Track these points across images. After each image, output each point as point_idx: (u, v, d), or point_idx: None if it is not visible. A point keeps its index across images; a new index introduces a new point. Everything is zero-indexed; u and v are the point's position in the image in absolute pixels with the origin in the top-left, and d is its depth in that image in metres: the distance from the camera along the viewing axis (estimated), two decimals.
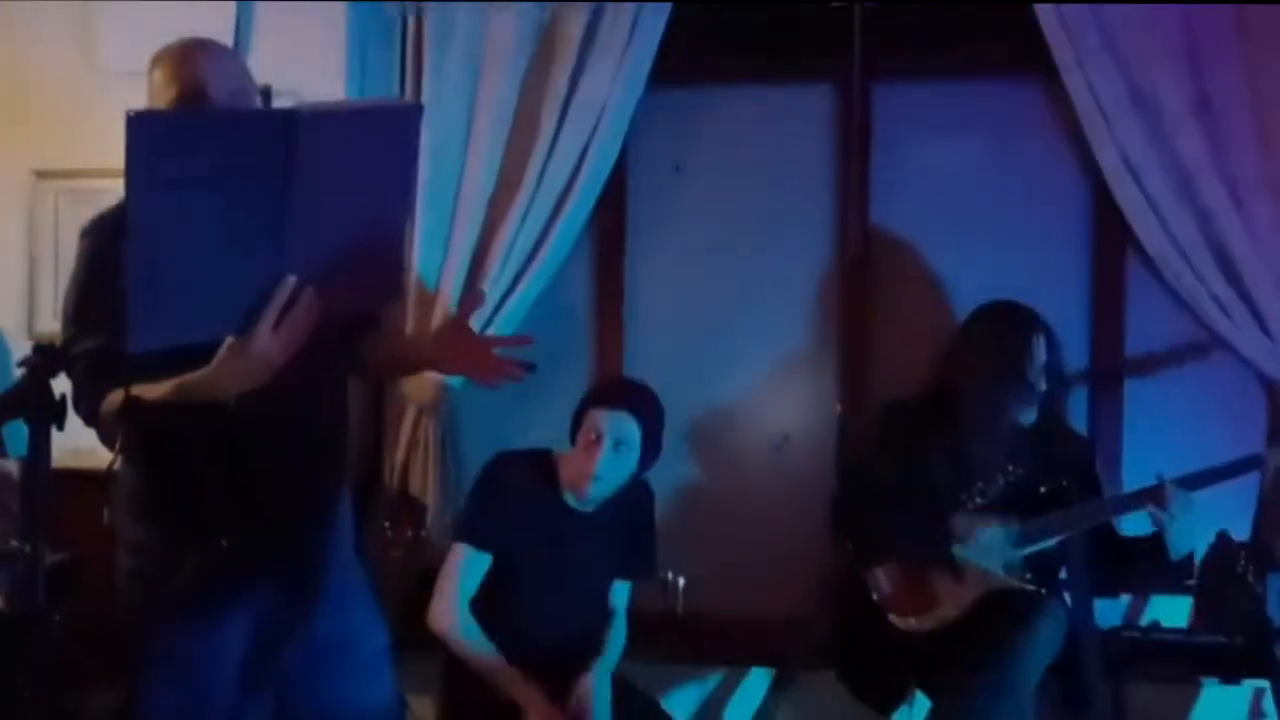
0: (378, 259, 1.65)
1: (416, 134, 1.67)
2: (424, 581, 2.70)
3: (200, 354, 1.55)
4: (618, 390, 2.59)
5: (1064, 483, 2.65)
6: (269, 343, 1.51)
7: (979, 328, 2.75)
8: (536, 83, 3.08)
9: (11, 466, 2.60)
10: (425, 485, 3.11)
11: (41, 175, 3.28)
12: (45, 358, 1.52)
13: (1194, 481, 2.57)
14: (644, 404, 2.53)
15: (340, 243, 1.55)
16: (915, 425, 2.72)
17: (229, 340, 1.52)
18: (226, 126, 1.49)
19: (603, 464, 2.48)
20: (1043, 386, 2.69)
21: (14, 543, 2.52)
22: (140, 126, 1.35)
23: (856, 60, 3.18)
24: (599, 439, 2.48)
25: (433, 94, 3.09)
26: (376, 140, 1.58)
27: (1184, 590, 2.88)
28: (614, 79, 3.04)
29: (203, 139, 1.41)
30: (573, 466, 2.54)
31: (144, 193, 1.36)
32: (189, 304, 1.44)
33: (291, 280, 1.49)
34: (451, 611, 2.50)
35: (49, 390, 1.52)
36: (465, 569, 2.53)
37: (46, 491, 1.49)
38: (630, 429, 2.49)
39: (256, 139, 1.43)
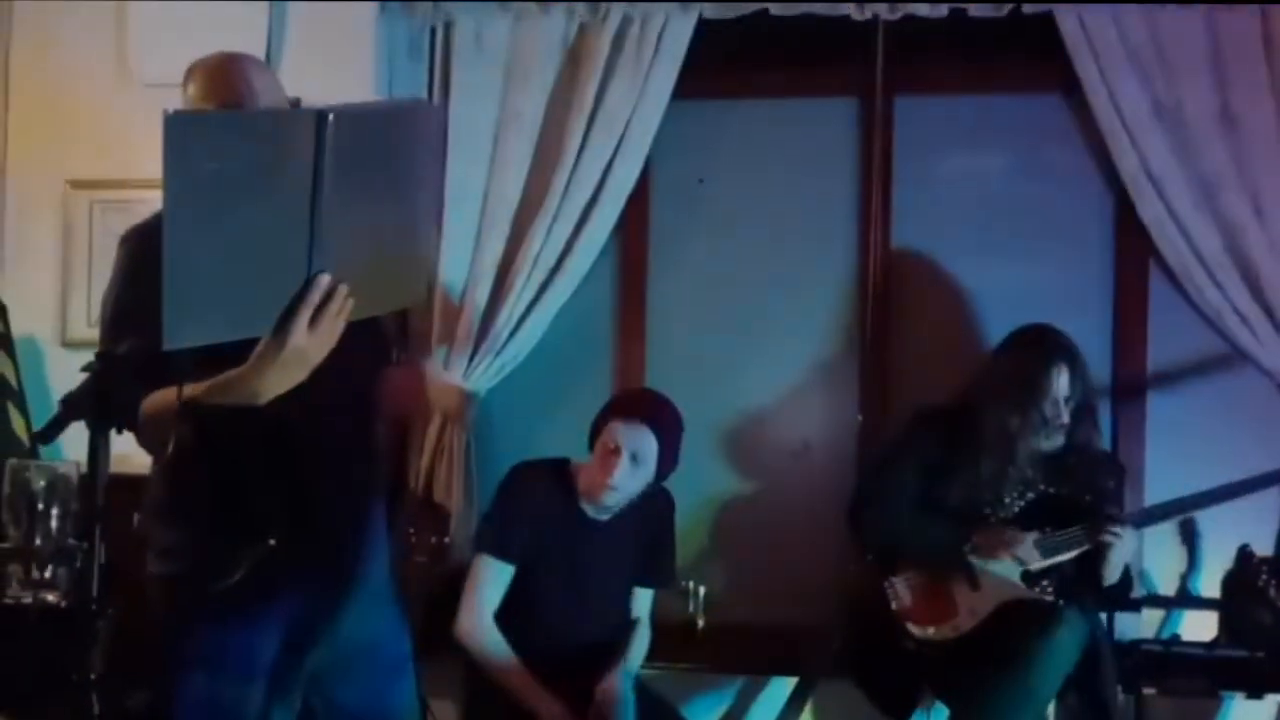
0: (403, 258, 1.68)
1: (439, 133, 1.70)
2: (447, 587, 2.73)
3: (237, 355, 1.58)
4: (636, 403, 2.60)
5: (1081, 506, 2.65)
6: (305, 340, 1.52)
7: (1005, 354, 2.76)
8: (562, 96, 3.11)
9: (69, 467, 2.67)
10: (449, 492, 3.14)
11: (76, 185, 3.32)
12: (108, 363, 1.55)
13: (1217, 496, 2.58)
14: (661, 417, 2.55)
15: (368, 241, 1.58)
16: (943, 433, 2.73)
17: (265, 338, 1.55)
18: (259, 126, 1.53)
19: (618, 476, 2.50)
20: (1064, 419, 2.67)
21: (72, 541, 2.59)
22: (177, 126, 1.39)
23: (879, 75, 3.20)
24: (616, 451, 2.50)
25: (459, 107, 3.12)
26: (400, 139, 1.61)
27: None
28: (639, 92, 3.07)
29: (237, 138, 1.45)
30: (589, 476, 2.56)
31: (180, 191, 1.40)
32: (225, 301, 1.46)
33: (326, 278, 1.51)
34: (477, 623, 2.53)
35: (109, 395, 1.56)
36: (489, 580, 2.56)
37: (104, 492, 1.53)
38: (647, 442, 2.51)
39: (288, 138, 1.46)
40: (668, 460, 2.57)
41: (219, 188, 1.41)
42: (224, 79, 1.81)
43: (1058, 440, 2.70)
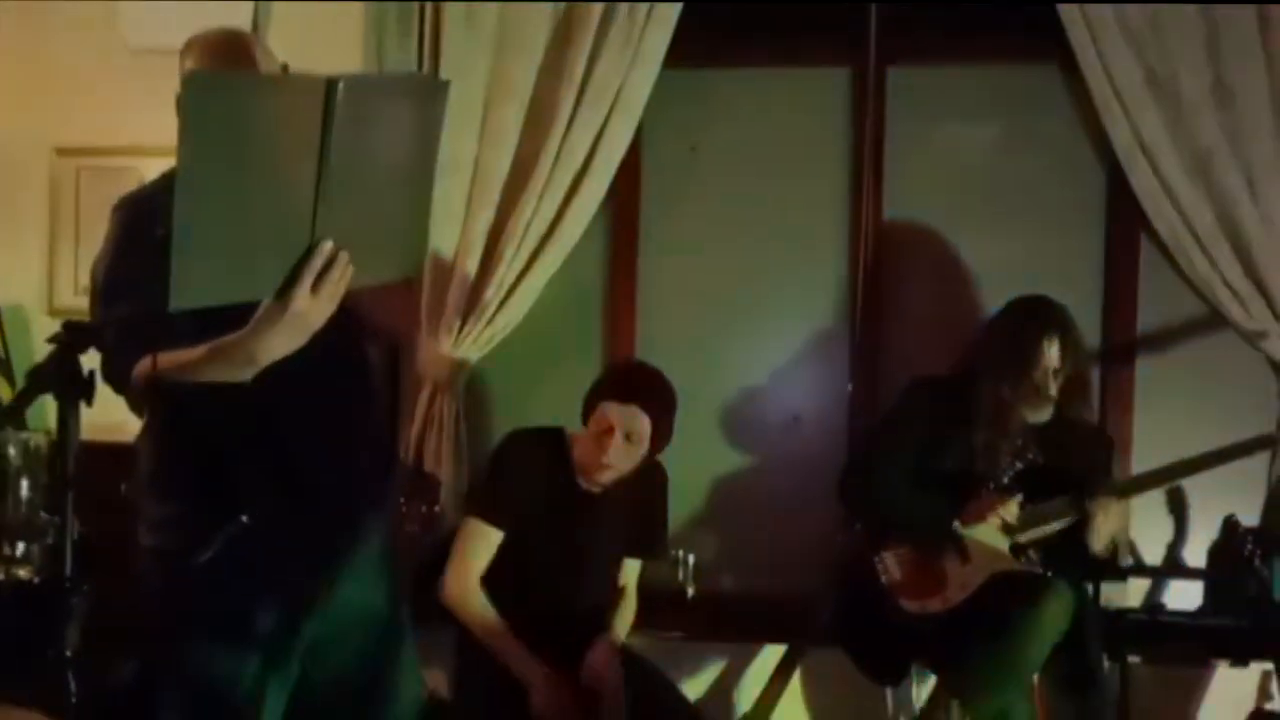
0: (403, 228, 1.69)
1: (443, 109, 1.70)
2: (438, 555, 2.73)
3: (233, 322, 1.58)
4: (630, 383, 2.59)
5: (1068, 478, 2.66)
6: (306, 304, 1.53)
7: (998, 324, 2.76)
8: (552, 65, 3.09)
9: (40, 440, 2.63)
10: (439, 461, 3.15)
11: (62, 152, 3.30)
12: (75, 334, 1.54)
13: (1205, 462, 2.60)
14: (655, 396, 2.55)
15: (370, 210, 1.59)
16: (937, 403, 2.74)
17: (266, 302, 1.54)
18: (275, 90, 1.54)
19: (613, 456, 2.51)
20: (1053, 391, 2.67)
21: (44, 515, 2.57)
22: (197, 84, 1.40)
23: (872, 45, 3.19)
24: (610, 431, 2.51)
25: (450, 75, 3.09)
26: (406, 113, 1.62)
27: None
28: (630, 61, 3.05)
29: (252, 100, 1.46)
30: (584, 453, 2.57)
31: (196, 151, 1.40)
32: (230, 264, 1.47)
33: (329, 244, 1.52)
34: (463, 585, 2.54)
35: (77, 366, 1.54)
36: (477, 544, 2.56)
37: (74, 466, 1.52)
38: (642, 422, 2.52)
39: (298, 104, 1.47)
40: (662, 437, 2.58)
41: (232, 150, 1.42)
42: (226, 52, 1.82)
43: (1046, 413, 2.71)
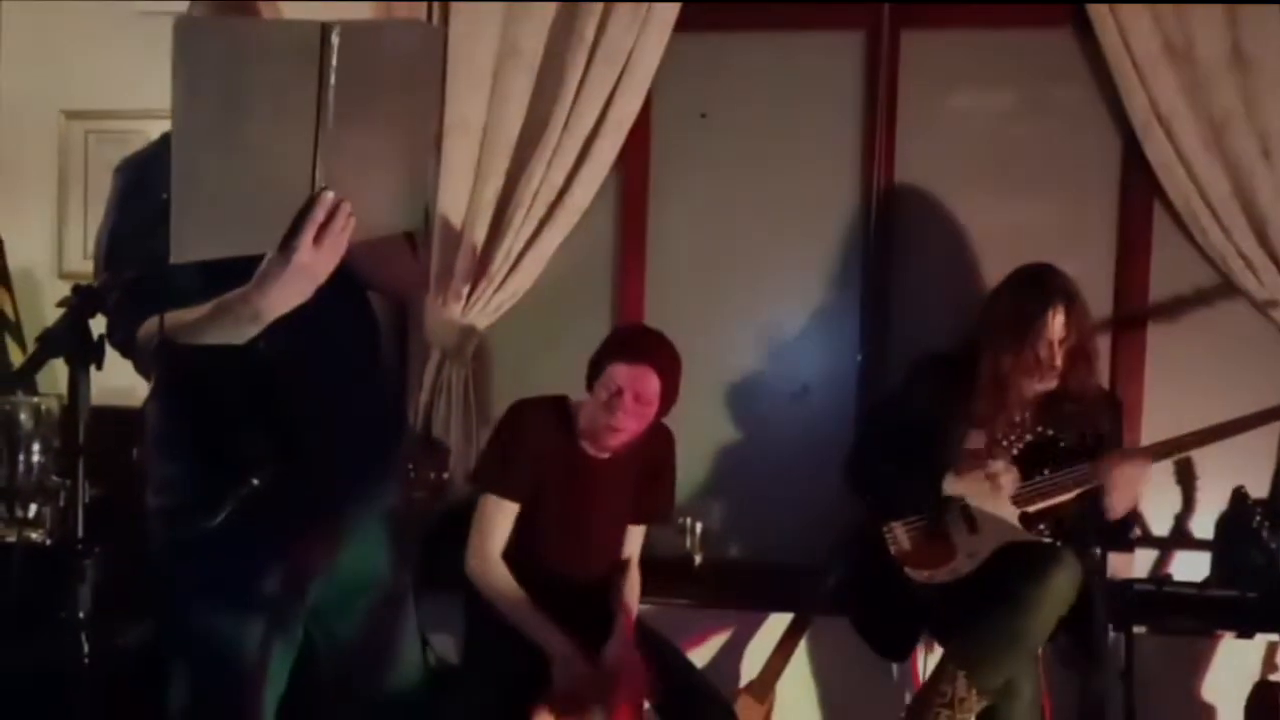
0: (404, 179, 1.67)
1: (440, 56, 1.68)
2: (446, 523, 2.74)
3: (237, 280, 1.57)
4: (638, 344, 2.58)
5: (1076, 448, 2.65)
6: (310, 256, 1.51)
7: (1001, 295, 2.73)
8: (563, 28, 3.06)
9: (52, 403, 2.64)
10: (448, 428, 3.15)
11: (71, 116, 3.29)
12: (84, 298, 1.54)
13: (1216, 433, 2.58)
14: (664, 357, 2.54)
15: (369, 160, 1.57)
16: (939, 382, 2.73)
17: (270, 255, 1.53)
18: (267, 36, 1.51)
19: (623, 418, 2.50)
20: (1057, 362, 2.64)
21: (54, 478, 2.57)
22: (186, 31, 1.37)
23: (885, 8, 3.16)
24: (619, 393, 2.50)
25: (459, 40, 3.08)
26: (402, 59, 1.60)
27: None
28: (640, 25, 3.02)
29: (245, 47, 1.43)
30: (591, 417, 2.56)
31: (188, 100, 1.38)
32: (231, 215, 1.45)
33: (330, 194, 1.50)
34: (484, 560, 2.55)
35: (88, 330, 1.54)
36: (495, 519, 2.57)
37: (85, 429, 1.52)
38: (650, 383, 2.50)
39: (292, 50, 1.45)
40: (669, 398, 2.56)
41: (226, 97, 1.41)
42: (233, 4, 1.79)
43: (1051, 382, 2.69)
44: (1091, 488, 2.60)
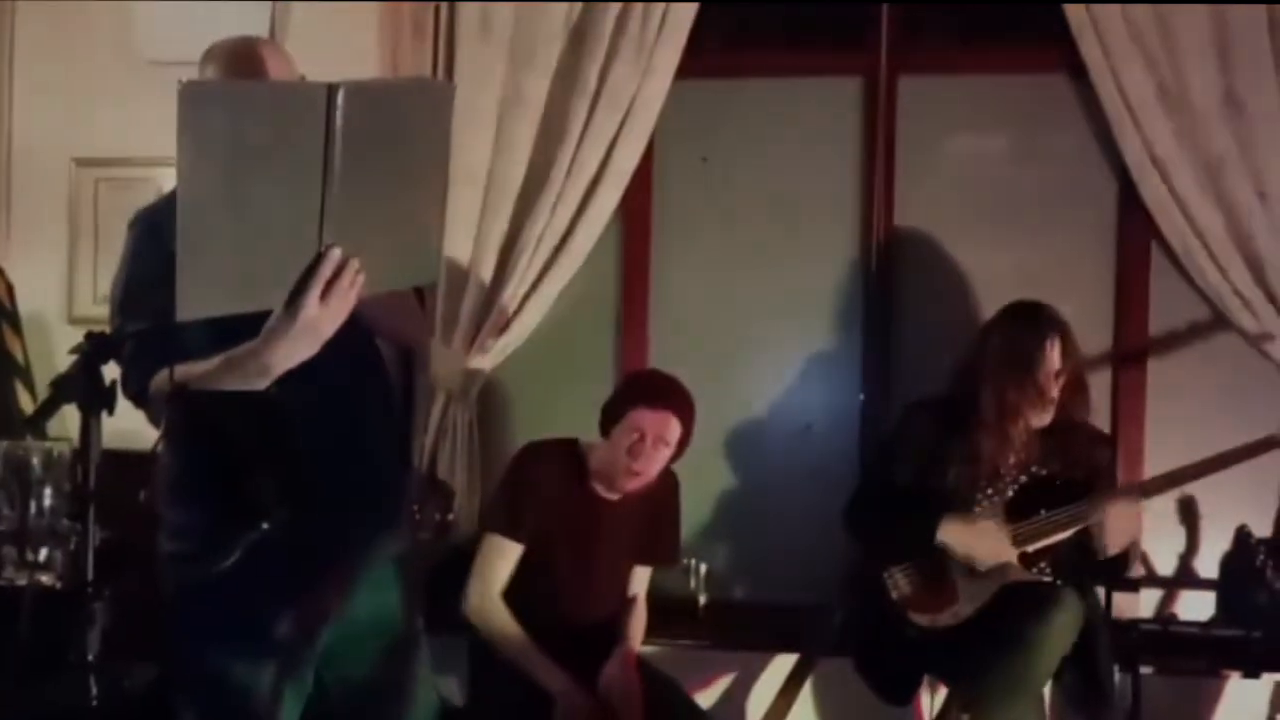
0: (414, 235, 1.69)
1: (449, 112, 1.70)
2: (452, 564, 2.75)
3: (249, 333, 1.59)
4: (661, 390, 2.60)
5: (1072, 484, 2.65)
6: (317, 313, 1.54)
7: (995, 331, 2.74)
8: (566, 75, 3.11)
9: (63, 448, 2.67)
10: (453, 469, 3.17)
11: (81, 163, 3.34)
12: (97, 344, 1.56)
13: (1211, 465, 2.59)
14: (683, 401, 2.57)
15: (378, 217, 1.59)
16: (932, 426, 2.74)
17: (277, 311, 1.56)
18: (270, 98, 1.54)
19: (646, 461, 2.53)
20: (1054, 393, 2.65)
21: (65, 522, 2.59)
22: (191, 95, 1.40)
23: (883, 55, 3.21)
24: (642, 438, 2.52)
25: (463, 86, 3.12)
26: (411, 117, 1.62)
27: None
28: (643, 71, 3.07)
29: (250, 109, 1.46)
30: (609, 461, 2.57)
31: (194, 161, 1.41)
32: (237, 273, 1.48)
33: (337, 251, 1.52)
34: (484, 600, 2.56)
35: (100, 376, 1.56)
36: (497, 559, 2.58)
37: (97, 474, 1.54)
38: (672, 428, 2.54)
39: (298, 111, 1.47)
40: (686, 442, 2.59)
41: (231, 158, 1.43)
42: (242, 61, 1.82)
43: (1048, 416, 2.70)
44: (1088, 525, 2.61)
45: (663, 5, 3.05)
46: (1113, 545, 2.59)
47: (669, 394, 2.57)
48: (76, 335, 1.63)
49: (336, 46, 3.14)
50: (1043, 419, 2.68)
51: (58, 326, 3.33)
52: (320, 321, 1.55)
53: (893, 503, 2.73)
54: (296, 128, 1.46)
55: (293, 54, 1.95)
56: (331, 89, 1.46)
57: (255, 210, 1.46)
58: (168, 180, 2.94)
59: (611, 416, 2.58)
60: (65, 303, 3.35)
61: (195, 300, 1.44)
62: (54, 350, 3.26)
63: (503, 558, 2.58)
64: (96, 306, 3.20)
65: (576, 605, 2.61)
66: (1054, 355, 2.64)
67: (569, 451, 2.64)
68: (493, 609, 2.55)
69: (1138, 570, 3.00)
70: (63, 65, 3.35)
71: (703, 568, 3.19)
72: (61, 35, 3.34)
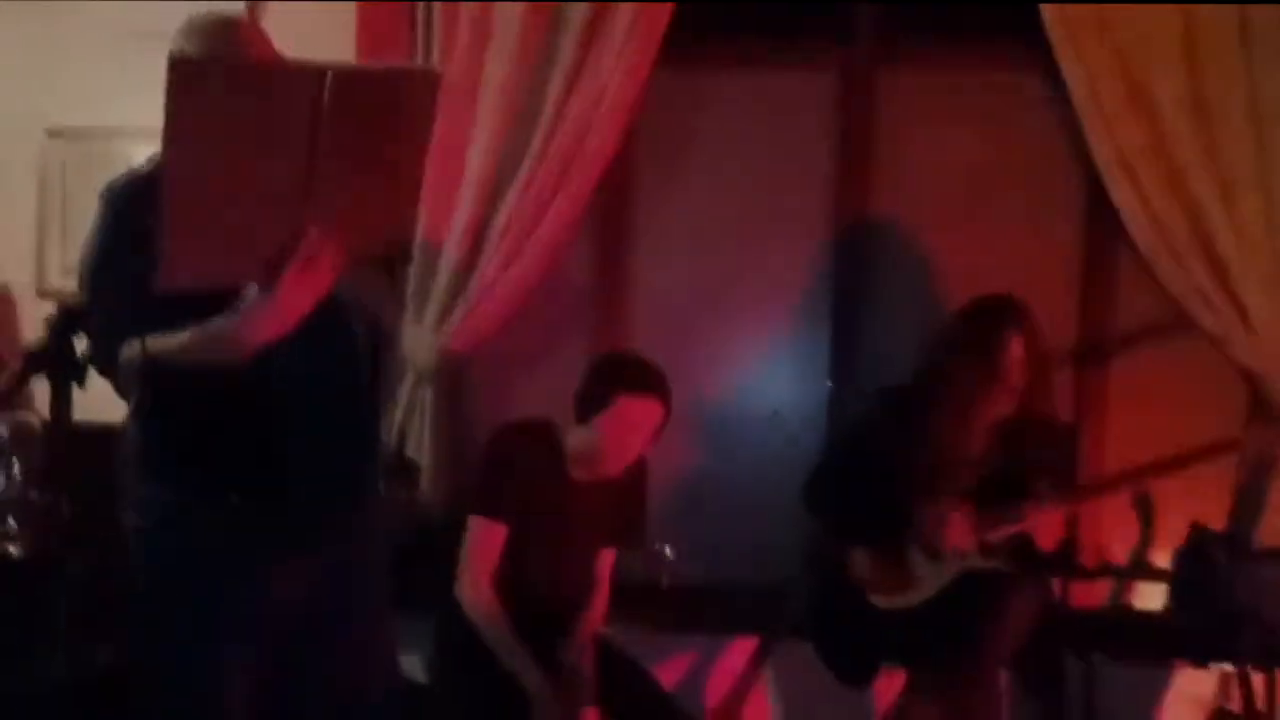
0: (393, 216, 1.71)
1: (434, 100, 1.72)
2: (417, 543, 2.76)
3: (219, 306, 1.60)
4: (644, 376, 2.61)
5: (1035, 475, 2.70)
6: (294, 290, 1.55)
7: (960, 321, 2.78)
8: (543, 62, 3.10)
9: (33, 420, 2.65)
10: (422, 447, 3.17)
11: (53, 134, 3.30)
12: (69, 317, 1.57)
13: (1174, 464, 2.64)
14: (667, 388, 2.59)
15: (360, 198, 1.61)
16: (897, 413, 2.77)
17: (254, 287, 1.56)
18: (264, 78, 1.56)
19: (634, 447, 2.57)
20: (1015, 383, 2.69)
21: (35, 495, 2.59)
22: (182, 69, 1.41)
23: (860, 49, 3.23)
24: (632, 425, 2.55)
25: (441, 68, 3.12)
26: (397, 102, 1.64)
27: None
28: (618, 59, 3.07)
29: (238, 87, 1.48)
30: (592, 446, 2.58)
31: (181, 135, 1.42)
32: (218, 247, 1.49)
33: (317, 231, 1.54)
34: (478, 587, 2.54)
35: (71, 349, 1.57)
36: (486, 542, 2.57)
37: (67, 446, 1.54)
38: (657, 412, 2.57)
39: (287, 92, 1.48)
40: (664, 426, 2.62)
41: (218, 135, 1.45)
42: (221, 35, 1.81)
43: (1008, 407, 2.73)
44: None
45: None
46: (1043, 545, 2.65)
47: (654, 381, 2.59)
48: (46, 308, 1.62)
49: (315, 28, 3.11)
50: (1003, 409, 2.72)
51: (27, 298, 3.30)
52: (297, 299, 1.56)
53: (856, 486, 2.76)
54: (285, 108, 1.48)
55: (270, 34, 1.95)
56: (321, 72, 1.47)
57: (240, 186, 1.48)
58: (138, 152, 2.92)
59: (594, 403, 2.58)
60: (34, 274, 3.32)
61: (179, 273, 1.45)
62: (23, 322, 3.24)
63: (488, 539, 2.57)
64: (65, 278, 3.17)
65: (549, 587, 2.62)
66: (1016, 346, 2.68)
67: (545, 433, 2.65)
68: (487, 598, 2.54)
69: (1094, 560, 3.06)
70: (35, 33, 3.31)
71: (667, 550, 3.22)
72: (33, 3, 3.30)
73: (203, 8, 1.90)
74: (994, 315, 2.72)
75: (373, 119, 1.58)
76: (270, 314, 1.57)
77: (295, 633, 1.92)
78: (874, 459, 2.75)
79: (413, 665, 2.75)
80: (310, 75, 1.48)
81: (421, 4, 3.16)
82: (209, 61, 1.68)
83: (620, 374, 2.62)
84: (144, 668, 1.89)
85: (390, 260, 1.89)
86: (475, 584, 2.55)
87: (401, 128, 1.65)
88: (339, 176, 1.54)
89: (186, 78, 1.42)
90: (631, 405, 2.54)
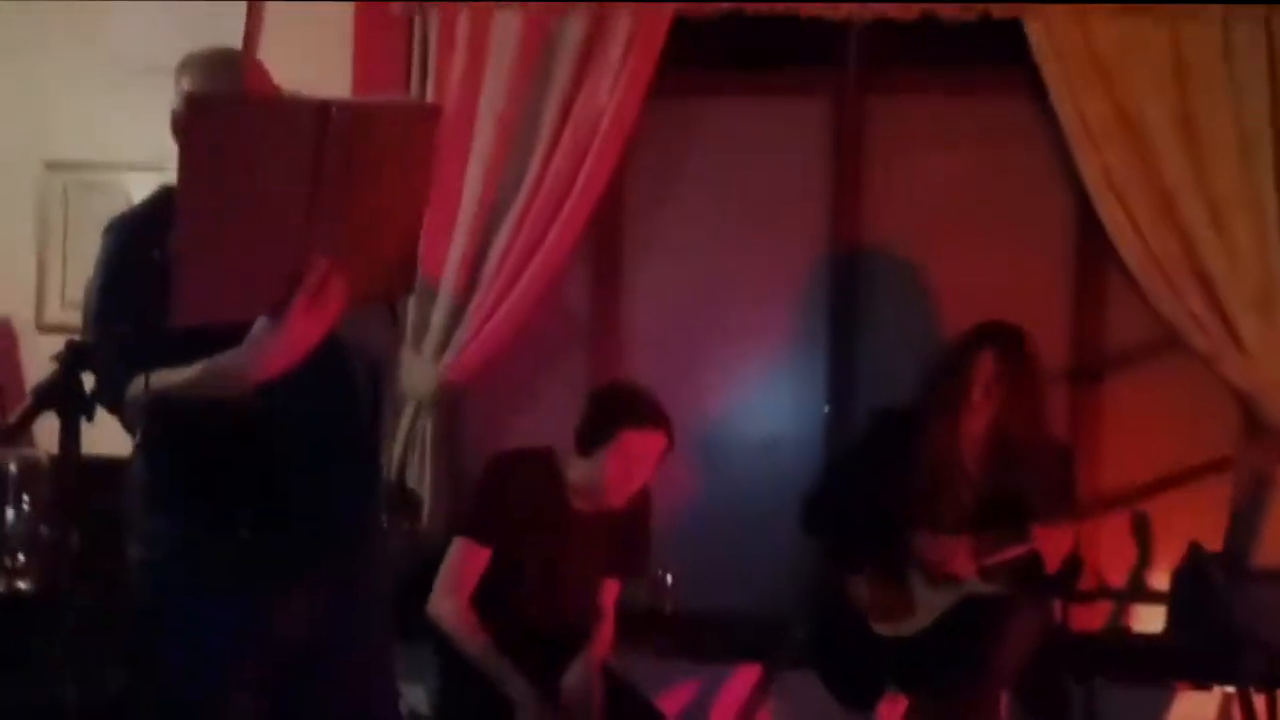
0: (396, 250, 1.73)
1: (435, 133, 1.75)
2: (419, 573, 2.76)
3: (225, 341, 1.61)
4: (646, 409, 2.62)
5: (1025, 497, 2.70)
6: (301, 324, 1.56)
7: (948, 347, 2.82)
8: (539, 89, 3.14)
9: (41, 455, 2.66)
10: (422, 479, 3.18)
11: (51, 167, 3.32)
12: (77, 352, 1.58)
13: (1168, 483, 2.65)
14: (668, 420, 2.61)
15: (363, 232, 1.63)
16: (897, 433, 2.79)
17: (261, 321, 1.58)
18: (271, 111, 1.59)
19: (639, 478, 2.59)
20: (978, 398, 2.68)
21: (44, 529, 2.59)
22: (195, 106, 1.46)
23: (851, 76, 3.27)
24: (637, 458, 2.56)
25: (436, 98, 3.14)
26: (398, 136, 1.67)
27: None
28: (613, 87, 3.10)
29: (248, 121, 1.50)
30: (595, 479, 2.60)
31: (195, 170, 1.44)
32: (229, 281, 1.51)
33: (324, 262, 1.55)
34: (452, 603, 2.56)
35: (80, 384, 1.57)
36: (464, 562, 2.59)
37: (75, 481, 1.55)
38: (660, 444, 2.59)
39: (296, 125, 1.51)
40: (666, 457, 2.63)
41: (229, 170, 1.47)
42: (221, 71, 1.82)
43: (977, 423, 2.72)
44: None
45: (633, 20, 3.07)
46: (1049, 565, 2.65)
47: (657, 414, 2.61)
48: (46, 341, 1.63)
49: (310, 59, 3.13)
50: (971, 425, 2.72)
51: (27, 332, 3.30)
52: (304, 333, 1.57)
53: (856, 510, 2.77)
54: (291, 142, 1.51)
55: (266, 63, 1.97)
56: (325, 105, 1.50)
57: (248, 221, 1.50)
58: (137, 185, 2.97)
59: (597, 436, 2.59)
60: (34, 308, 3.32)
61: (190, 307, 1.46)
62: (24, 357, 3.24)
63: (469, 560, 2.58)
64: (65, 312, 3.17)
65: (547, 615, 2.63)
66: (986, 361, 2.68)
67: (545, 462, 2.66)
68: (457, 612, 2.56)
69: (1092, 584, 3.07)
70: (33, 67, 3.33)
71: (669, 578, 3.22)
72: (31, 37, 3.32)
73: (202, 42, 1.93)
74: (974, 334, 2.75)
75: (374, 151, 1.60)
76: (280, 345, 1.58)
77: (298, 664, 1.92)
78: (870, 477, 2.76)
79: (415, 696, 2.76)
80: (314, 108, 1.50)
81: (418, 23, 3.18)
82: (222, 98, 1.70)
83: (622, 407, 2.64)
84: (149, 698, 1.88)
85: (398, 295, 1.90)
86: (447, 600, 2.56)
87: (403, 160, 1.68)
88: (343, 209, 1.56)
89: (202, 114, 1.45)
90: (634, 439, 2.56)
